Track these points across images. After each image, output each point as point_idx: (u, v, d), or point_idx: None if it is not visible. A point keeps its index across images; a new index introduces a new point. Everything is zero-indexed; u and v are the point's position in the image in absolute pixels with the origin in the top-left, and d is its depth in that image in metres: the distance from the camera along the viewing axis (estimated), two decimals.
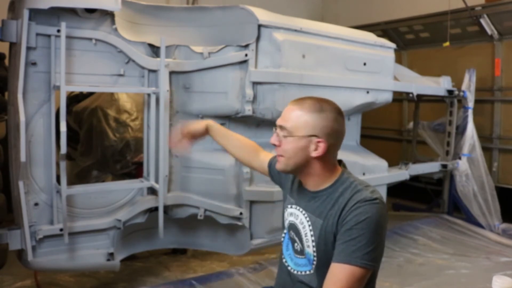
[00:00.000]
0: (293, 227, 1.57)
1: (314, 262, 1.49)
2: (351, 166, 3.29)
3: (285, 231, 1.65)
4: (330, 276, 1.37)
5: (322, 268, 1.46)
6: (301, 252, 1.55)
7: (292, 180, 1.67)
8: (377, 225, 1.36)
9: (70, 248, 2.49)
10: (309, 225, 1.49)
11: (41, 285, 2.87)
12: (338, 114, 1.50)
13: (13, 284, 2.92)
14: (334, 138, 1.47)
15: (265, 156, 1.89)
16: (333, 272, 1.36)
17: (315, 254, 1.48)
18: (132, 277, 3.11)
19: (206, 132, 1.95)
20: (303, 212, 1.53)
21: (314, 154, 1.44)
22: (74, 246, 2.51)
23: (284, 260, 1.63)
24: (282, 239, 1.67)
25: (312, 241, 1.48)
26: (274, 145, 1.52)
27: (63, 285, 2.98)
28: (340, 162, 1.59)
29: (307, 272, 1.53)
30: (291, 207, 1.60)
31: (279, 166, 1.52)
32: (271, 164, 1.80)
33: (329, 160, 1.49)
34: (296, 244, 1.56)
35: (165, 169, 2.67)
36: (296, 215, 1.56)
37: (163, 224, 2.64)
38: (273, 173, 1.79)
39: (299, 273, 1.55)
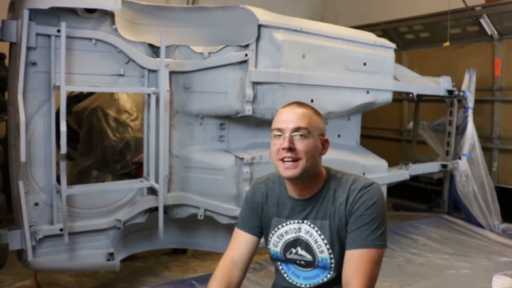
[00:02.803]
0: (294, 244, 1.51)
1: (333, 265, 1.48)
2: (351, 166, 3.31)
3: (279, 263, 1.57)
4: (349, 263, 1.38)
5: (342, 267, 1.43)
6: (310, 264, 1.51)
7: (266, 201, 1.57)
8: (383, 206, 1.44)
9: (70, 248, 2.49)
10: (317, 231, 1.48)
11: (41, 285, 2.87)
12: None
13: (13, 284, 2.92)
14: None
15: (239, 246, 1.59)
16: (352, 259, 1.38)
17: (331, 256, 1.47)
18: (132, 277, 3.11)
19: None
20: (305, 221, 1.50)
21: (323, 152, 1.50)
22: (74, 246, 2.51)
23: (289, 279, 1.55)
24: (279, 269, 1.57)
25: (325, 244, 1.47)
26: (289, 149, 1.41)
27: (63, 285, 2.98)
28: None
29: (325, 279, 1.50)
30: (284, 226, 1.53)
31: (296, 171, 1.41)
32: (246, 226, 1.59)
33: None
34: (298, 261, 1.52)
35: (165, 169, 2.67)
36: (296, 229, 1.50)
37: (163, 224, 2.64)
38: (257, 225, 1.59)
39: (313, 284, 1.51)
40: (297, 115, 1.45)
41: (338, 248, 1.46)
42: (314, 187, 1.50)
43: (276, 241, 1.54)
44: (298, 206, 1.51)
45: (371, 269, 1.36)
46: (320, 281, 1.50)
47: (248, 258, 1.58)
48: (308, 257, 1.50)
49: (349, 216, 1.43)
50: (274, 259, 1.59)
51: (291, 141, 1.41)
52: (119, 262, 2.67)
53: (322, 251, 1.48)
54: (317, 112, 1.51)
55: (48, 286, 2.93)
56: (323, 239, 1.47)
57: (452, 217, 4.54)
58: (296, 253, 1.52)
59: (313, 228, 1.48)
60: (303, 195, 1.50)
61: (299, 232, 1.51)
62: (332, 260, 1.48)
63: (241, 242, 1.59)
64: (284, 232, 1.53)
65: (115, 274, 3.02)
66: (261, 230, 1.60)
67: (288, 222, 1.53)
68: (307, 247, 1.50)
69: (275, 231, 1.54)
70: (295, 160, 1.42)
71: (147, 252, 3.28)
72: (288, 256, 1.53)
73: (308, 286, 1.52)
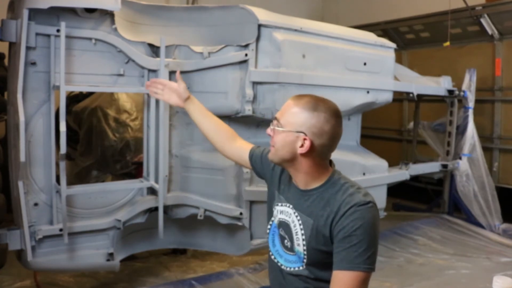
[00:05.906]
0: (283, 225, 1.59)
1: (305, 260, 1.53)
2: (351, 166, 3.31)
3: (269, 226, 1.68)
4: (336, 283, 1.39)
5: (312, 265, 1.51)
6: (291, 249, 1.57)
7: (280, 176, 1.68)
8: (374, 229, 1.40)
9: (70, 248, 2.49)
10: (300, 224, 1.52)
11: (41, 285, 2.87)
12: (332, 116, 1.47)
13: (13, 284, 2.92)
14: (324, 139, 1.46)
15: (243, 145, 1.89)
16: (339, 280, 1.38)
17: (305, 252, 1.51)
18: (132, 277, 3.11)
19: (185, 100, 1.98)
20: (294, 210, 1.56)
21: (300, 150, 1.47)
22: (74, 246, 2.50)
23: (272, 257, 1.66)
24: (267, 233, 1.69)
25: (303, 240, 1.51)
26: (269, 135, 1.56)
27: (63, 285, 2.98)
28: (330, 162, 1.60)
29: (297, 268, 1.56)
30: (281, 205, 1.62)
31: (270, 155, 1.58)
32: (254, 155, 1.81)
33: (319, 160, 1.50)
34: (286, 241, 1.59)
35: (165, 169, 2.67)
36: (287, 213, 1.58)
37: (163, 224, 2.64)
38: (256, 165, 1.81)
39: (290, 269, 1.58)
40: (284, 107, 1.53)
41: (313, 248, 1.49)
42: (309, 183, 1.53)
43: (275, 214, 1.64)
44: (296, 193, 1.57)
45: None
46: (296, 268, 1.56)
47: (225, 147, 1.90)
48: (289, 243, 1.58)
49: (335, 230, 1.42)
50: (270, 225, 1.68)
51: (271, 128, 1.55)
52: (119, 262, 2.66)
53: (298, 244, 1.53)
54: (310, 108, 1.45)
55: (48, 286, 2.93)
56: (302, 234, 1.51)
57: (453, 217, 4.54)
58: (284, 233, 1.60)
59: (298, 220, 1.53)
60: (298, 186, 1.56)
61: (288, 217, 1.58)
62: (305, 257, 1.52)
63: (240, 143, 1.89)
64: (281, 211, 1.61)
65: (115, 274, 3.02)
66: (255, 169, 1.80)
67: (286, 204, 1.60)
68: (290, 234, 1.56)
69: (277, 206, 1.64)
70: (272, 146, 1.55)
71: (147, 252, 3.27)
72: (280, 232, 1.62)
73: (287, 269, 1.59)
